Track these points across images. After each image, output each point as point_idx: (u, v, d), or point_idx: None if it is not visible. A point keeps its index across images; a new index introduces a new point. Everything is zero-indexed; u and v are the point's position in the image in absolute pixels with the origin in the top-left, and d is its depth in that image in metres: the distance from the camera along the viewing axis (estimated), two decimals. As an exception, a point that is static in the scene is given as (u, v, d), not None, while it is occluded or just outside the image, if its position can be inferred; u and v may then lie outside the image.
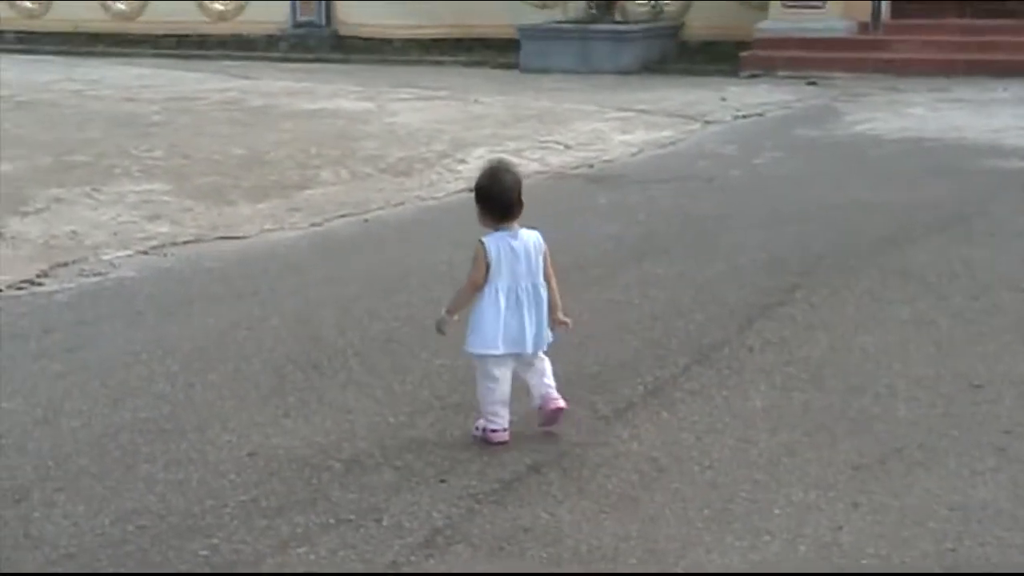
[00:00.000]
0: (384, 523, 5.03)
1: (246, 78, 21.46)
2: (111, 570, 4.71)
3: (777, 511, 5.09)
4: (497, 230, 5.77)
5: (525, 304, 5.75)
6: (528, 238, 5.80)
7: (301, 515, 5.10)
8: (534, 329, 5.78)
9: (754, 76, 20.59)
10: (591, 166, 13.40)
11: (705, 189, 12.00)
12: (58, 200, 11.31)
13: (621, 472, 5.48)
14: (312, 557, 4.77)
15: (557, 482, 5.40)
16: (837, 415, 6.10)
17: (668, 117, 16.59)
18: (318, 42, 25.37)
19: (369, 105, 17.74)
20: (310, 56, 24.59)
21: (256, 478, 5.46)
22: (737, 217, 10.54)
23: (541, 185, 12.32)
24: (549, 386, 5.91)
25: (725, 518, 5.04)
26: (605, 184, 12.33)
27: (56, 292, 8.63)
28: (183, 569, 4.72)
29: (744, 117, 16.66)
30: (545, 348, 5.91)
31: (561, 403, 5.89)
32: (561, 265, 8.88)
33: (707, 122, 16.26)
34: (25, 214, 10.81)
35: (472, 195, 5.92)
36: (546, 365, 5.93)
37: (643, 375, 6.69)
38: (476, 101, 18.08)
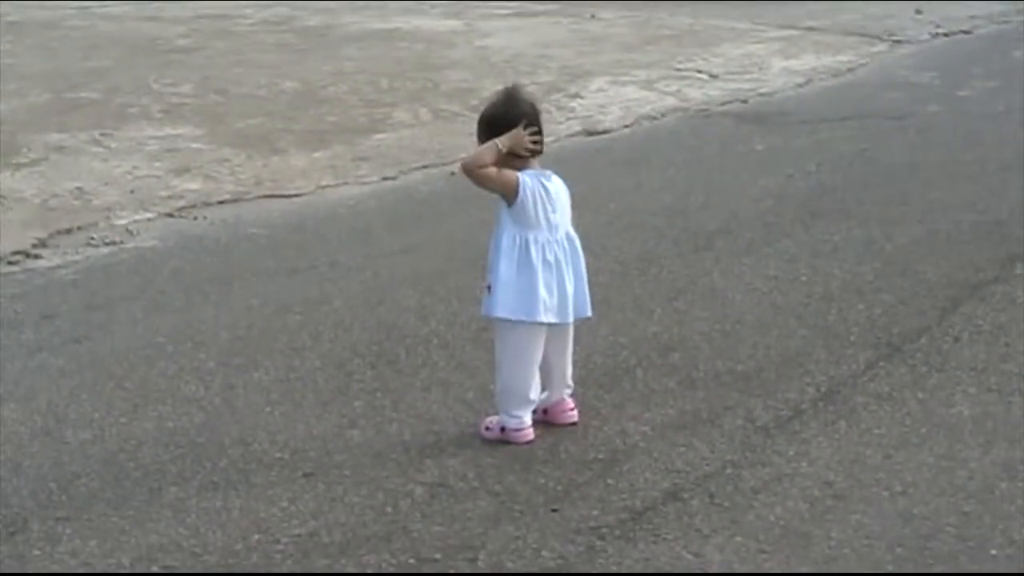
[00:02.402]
0: (480, 563, 5.05)
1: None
2: (131, 622, 4.79)
3: (994, 551, 5.04)
4: (521, 169, 5.94)
5: (563, 261, 5.97)
6: (558, 181, 6.04)
7: (372, 554, 5.13)
8: (574, 289, 6.01)
9: (959, -20, 20.36)
10: (744, 101, 13.36)
11: (894, 130, 11.90)
12: (59, 148, 11.48)
13: (786, 499, 5.46)
14: (387, 608, 4.82)
15: (702, 512, 5.38)
16: (1071, 426, 6.04)
17: (845, 36, 16.49)
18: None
19: (455, 23, 17.80)
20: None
21: (314, 506, 5.50)
22: (937, 167, 10.45)
23: (679, 126, 12.32)
24: (568, 387, 6.18)
25: (924, 560, 5.00)
26: (763, 124, 12.28)
27: (58, 267, 8.77)
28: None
29: (945, 35, 16.52)
30: (589, 313, 6.13)
31: (575, 417, 6.19)
32: (704, 230, 8.99)
33: (896, 41, 16.14)
34: (18, 166, 10.98)
35: (488, 127, 5.99)
36: (571, 339, 6.16)
37: (814, 374, 6.66)
38: (593, 17, 18.08)
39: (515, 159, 5.93)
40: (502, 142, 5.87)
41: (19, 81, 14.06)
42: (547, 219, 5.93)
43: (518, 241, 5.91)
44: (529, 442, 5.97)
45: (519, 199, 5.88)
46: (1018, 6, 17.95)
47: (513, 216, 5.91)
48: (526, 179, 5.90)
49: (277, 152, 11.51)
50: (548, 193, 5.94)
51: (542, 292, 5.90)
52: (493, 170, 5.89)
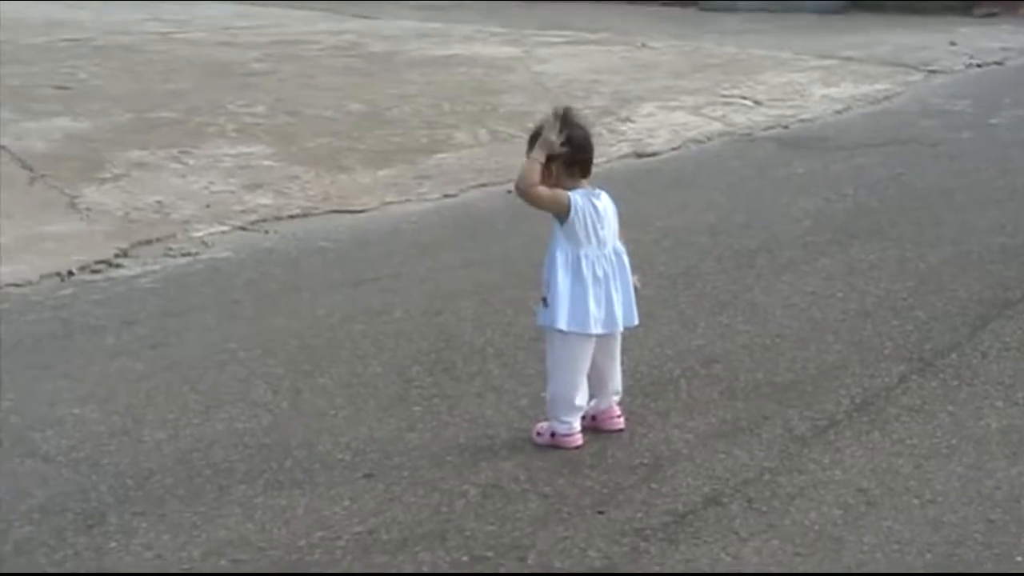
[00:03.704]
0: (529, 562, 5.04)
1: (365, 17, 21.71)
2: (201, 612, 4.79)
3: (1019, 558, 5.00)
4: (572, 188, 5.94)
5: (611, 275, 5.97)
6: (606, 198, 6.05)
7: (428, 551, 5.12)
8: (622, 302, 6.02)
9: (991, 15, 20.30)
10: (786, 127, 13.31)
11: (928, 156, 11.84)
12: (140, 165, 11.54)
13: (821, 505, 5.42)
14: (441, 602, 4.81)
15: (741, 516, 5.36)
16: (1095, 439, 5.98)
17: (882, 66, 16.41)
18: (452, -27, 25.54)
19: (513, 50, 17.81)
20: (442, -10, 24.80)
21: (374, 505, 5.50)
22: (969, 192, 10.38)
23: (724, 150, 12.29)
24: (616, 395, 6.19)
25: (951, 565, 4.96)
26: (803, 149, 12.23)
27: (138, 276, 8.81)
28: (286, 613, 4.77)
29: (979, 66, 16.42)
30: (635, 323, 6.13)
31: (622, 424, 6.19)
32: (747, 248, 8.96)
33: (931, 72, 16.05)
34: (102, 181, 11.04)
35: (562, 148, 5.92)
36: (619, 349, 6.16)
37: (849, 386, 6.62)
38: (644, 46, 18.07)
39: (567, 179, 5.92)
40: (537, 154, 5.86)
41: (104, 102, 14.15)
42: (596, 235, 5.92)
43: (570, 257, 5.91)
44: (578, 447, 5.95)
45: (571, 218, 5.87)
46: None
47: (565, 233, 5.91)
48: (577, 198, 5.89)
49: (344, 170, 11.53)
50: (597, 211, 5.93)
51: (592, 306, 5.90)
52: (545, 190, 5.88)
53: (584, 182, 5.99)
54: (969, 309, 7.65)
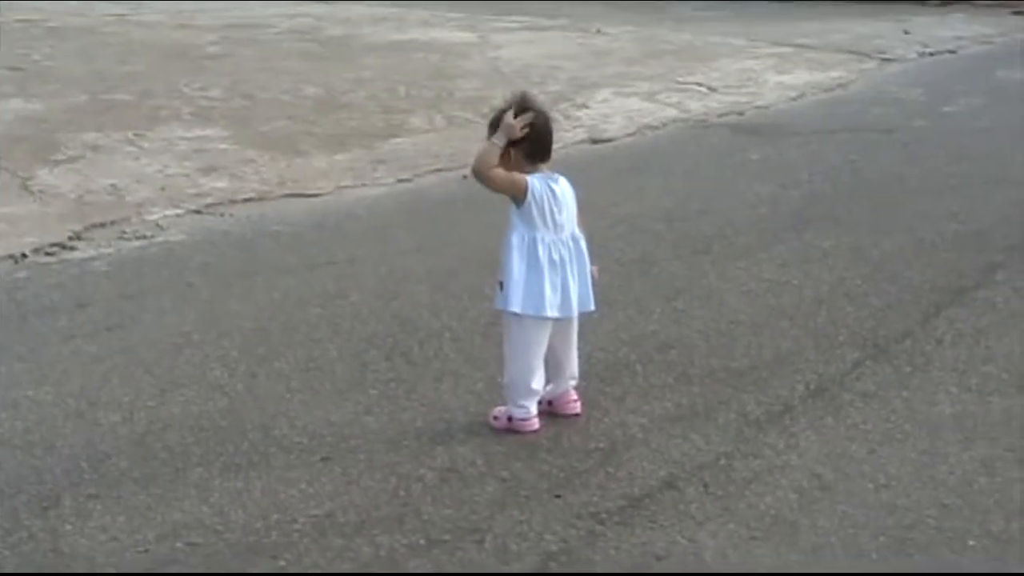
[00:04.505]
0: (486, 545, 5.04)
1: (321, 1, 21.60)
2: (157, 595, 4.78)
3: (972, 542, 5.02)
4: (530, 173, 5.94)
5: (568, 260, 5.97)
6: (564, 183, 6.04)
7: (385, 534, 5.12)
8: (578, 288, 6.01)
9: (946, 3, 20.34)
10: (740, 113, 13.34)
11: (882, 143, 11.88)
12: (95, 147, 11.48)
13: (776, 490, 5.44)
14: (398, 585, 4.80)
15: (697, 500, 5.37)
16: (1047, 425, 6.02)
17: (836, 53, 16.47)
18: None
19: (469, 36, 17.79)
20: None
21: (331, 488, 5.50)
22: (922, 179, 10.43)
23: (678, 136, 12.32)
24: (572, 380, 6.18)
25: (906, 549, 4.98)
26: (758, 135, 12.26)
27: (92, 259, 8.77)
28: (243, 596, 4.77)
29: (932, 54, 16.49)
30: (592, 307, 6.12)
31: (578, 408, 6.19)
32: (702, 234, 8.97)
33: (885, 60, 16.12)
34: (56, 163, 10.98)
35: (495, 129, 5.94)
36: (575, 334, 6.16)
37: (804, 372, 6.65)
38: (599, 32, 18.07)
39: (525, 164, 5.92)
40: (498, 138, 5.86)
41: (59, 83, 14.06)
42: (553, 220, 5.92)
43: (526, 240, 5.90)
44: (534, 432, 5.96)
45: (527, 201, 5.87)
46: (1000, 29, 17.91)
47: (522, 217, 5.91)
48: (535, 182, 5.89)
49: (299, 154, 11.50)
50: (555, 195, 5.92)
51: (547, 290, 5.90)
52: (502, 173, 5.88)
53: (543, 167, 5.99)
54: (923, 296, 7.69)
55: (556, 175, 6.01)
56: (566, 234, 5.97)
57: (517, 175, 5.89)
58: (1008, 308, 7.48)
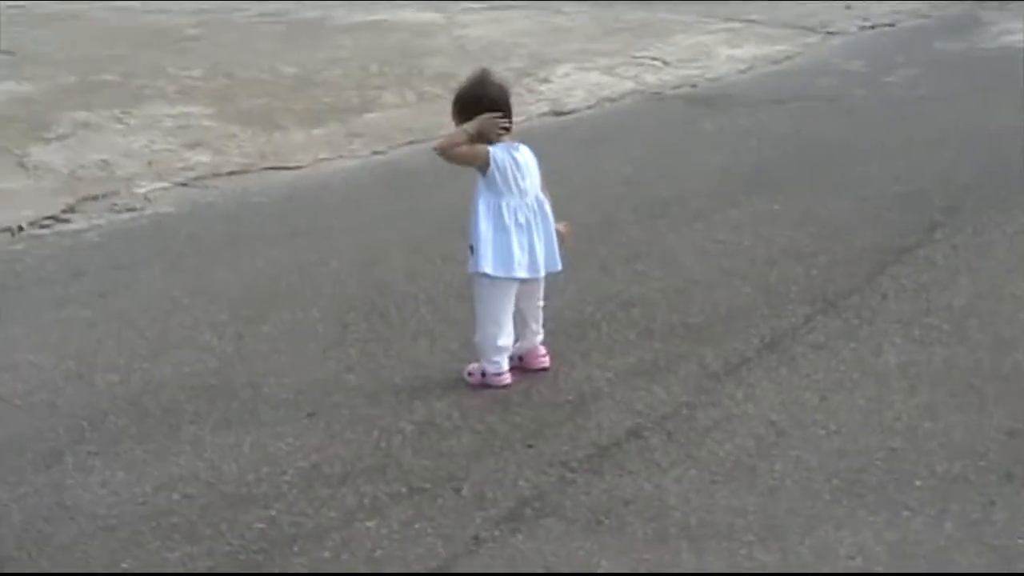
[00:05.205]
0: (464, 493, 5.07)
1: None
2: (156, 544, 4.78)
3: (918, 483, 5.07)
4: (493, 143, 5.97)
5: (532, 222, 6.00)
6: (525, 151, 6.07)
7: (369, 484, 5.15)
8: (544, 249, 6.04)
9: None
10: (693, 85, 13.33)
11: (827, 111, 11.90)
12: (84, 125, 11.42)
13: (735, 437, 5.49)
14: (382, 531, 4.82)
15: (661, 448, 5.41)
16: (987, 373, 6.06)
17: (783, 28, 16.45)
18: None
19: (436, 16, 17.70)
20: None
21: (317, 442, 5.52)
22: (865, 144, 10.45)
23: (636, 107, 12.32)
24: (537, 333, 6.20)
25: (856, 490, 5.03)
26: (710, 106, 12.26)
27: (85, 230, 8.76)
28: (235, 543, 4.78)
29: (872, 27, 16.48)
30: (559, 267, 6.14)
31: (547, 363, 6.23)
32: (660, 199, 8.99)
33: (829, 33, 16.11)
34: (48, 140, 10.92)
35: (462, 106, 6.04)
36: (541, 291, 6.18)
37: (758, 326, 6.69)
38: (559, 12, 18.01)
39: (490, 137, 5.96)
40: (471, 126, 5.90)
41: (48, 66, 13.97)
42: (518, 186, 5.95)
43: (492, 206, 5.94)
44: (507, 386, 5.99)
45: (491, 169, 5.91)
46: (937, 3, 17.92)
47: (487, 184, 5.94)
48: (496, 151, 5.92)
49: (279, 129, 11.47)
50: (517, 162, 5.96)
51: (516, 250, 5.93)
52: (464, 147, 5.93)
53: (505, 137, 6.01)
54: (868, 255, 7.72)
55: (517, 144, 6.04)
56: (530, 198, 6.00)
57: (478, 147, 5.93)
58: (947, 264, 7.52)
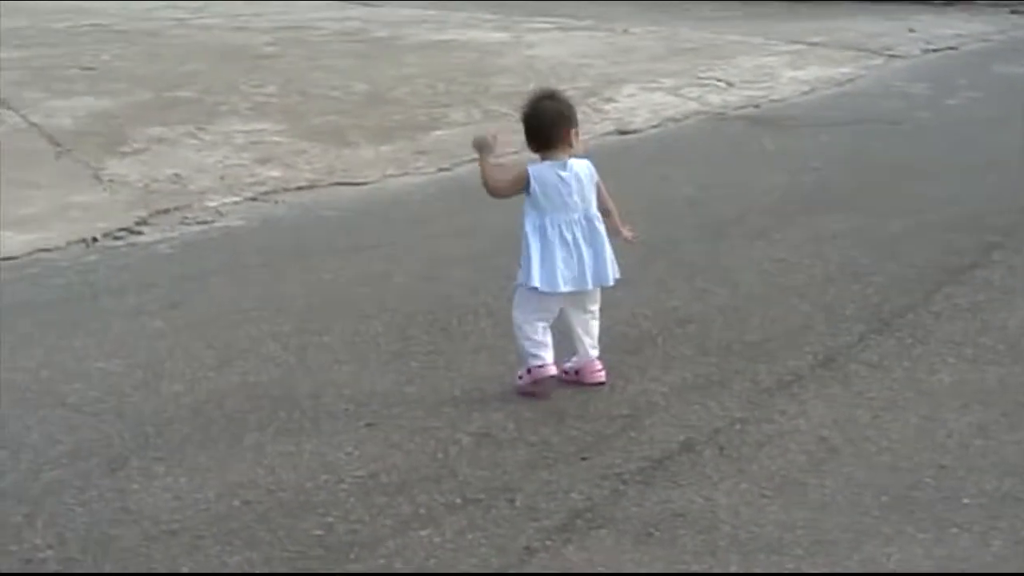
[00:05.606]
0: (517, 504, 5.07)
1: (367, 4, 21.62)
2: (216, 548, 4.81)
3: (967, 500, 5.03)
4: (543, 160, 6.04)
5: (580, 238, 6.01)
6: (579, 168, 6.07)
7: (424, 493, 5.15)
8: (593, 263, 6.04)
9: (948, 2, 20.23)
10: (757, 106, 13.31)
11: (888, 133, 11.85)
12: (160, 140, 11.53)
13: (786, 452, 5.46)
14: (436, 539, 4.82)
15: (713, 462, 5.39)
16: (1039, 393, 6.01)
17: (846, 50, 16.40)
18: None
19: (504, 36, 17.78)
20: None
21: (375, 451, 5.53)
22: (925, 165, 10.40)
23: (699, 127, 12.30)
24: (592, 347, 6.17)
25: (906, 507, 4.99)
26: (772, 127, 12.24)
27: (157, 242, 8.83)
28: (293, 549, 4.80)
29: (935, 51, 16.41)
30: (610, 282, 6.13)
31: (603, 377, 6.18)
32: (720, 218, 8.97)
33: (891, 56, 16.04)
34: (124, 155, 11.04)
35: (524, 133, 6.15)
36: (597, 306, 6.18)
37: (813, 344, 6.65)
38: (625, 31, 18.04)
39: (544, 151, 6.03)
40: (482, 156, 6.14)
41: (126, 82, 14.12)
42: (563, 202, 5.99)
43: (537, 223, 5.99)
44: (552, 377, 6.01)
45: (532, 189, 5.98)
46: (999, 27, 17.83)
47: (531, 202, 6.02)
48: (536, 169, 5.99)
49: (348, 145, 11.53)
50: (562, 179, 5.99)
51: (560, 265, 5.96)
52: (502, 180, 6.08)
53: (559, 154, 6.03)
54: (924, 274, 7.68)
55: (568, 160, 6.04)
56: (578, 214, 6.02)
57: (516, 172, 6.03)
58: (1003, 285, 7.47)
